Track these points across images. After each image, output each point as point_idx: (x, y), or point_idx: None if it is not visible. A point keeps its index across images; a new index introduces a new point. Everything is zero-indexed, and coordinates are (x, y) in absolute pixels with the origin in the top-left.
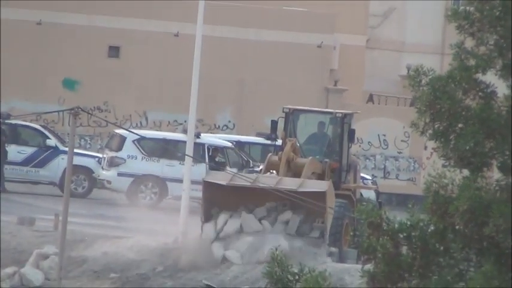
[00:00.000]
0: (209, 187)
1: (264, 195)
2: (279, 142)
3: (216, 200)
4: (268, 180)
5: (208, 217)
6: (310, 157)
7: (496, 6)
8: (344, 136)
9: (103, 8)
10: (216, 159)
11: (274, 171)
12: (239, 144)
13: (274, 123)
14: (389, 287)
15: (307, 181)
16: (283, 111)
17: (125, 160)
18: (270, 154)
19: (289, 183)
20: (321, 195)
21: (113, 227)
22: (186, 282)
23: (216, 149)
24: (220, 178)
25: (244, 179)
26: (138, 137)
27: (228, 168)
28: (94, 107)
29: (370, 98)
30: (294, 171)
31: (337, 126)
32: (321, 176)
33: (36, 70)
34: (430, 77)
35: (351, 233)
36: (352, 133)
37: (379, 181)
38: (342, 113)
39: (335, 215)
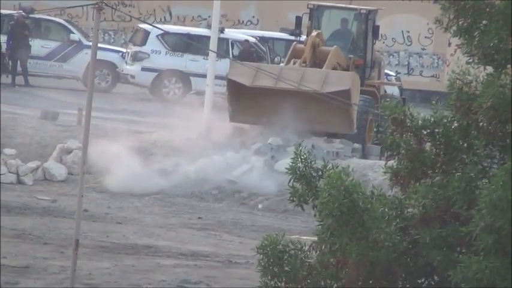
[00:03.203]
0: (233, 84)
1: (286, 92)
2: (303, 38)
3: (240, 96)
4: (292, 73)
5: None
6: (335, 46)
7: None
8: (368, 32)
9: None
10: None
11: (298, 60)
12: (263, 40)
13: (298, 19)
14: (413, 183)
15: (331, 74)
16: (307, 7)
17: (148, 55)
18: (295, 42)
19: (313, 77)
20: (345, 92)
21: (136, 122)
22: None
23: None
24: (244, 74)
25: (267, 74)
26: (162, 31)
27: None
28: (118, 2)
29: None
30: (319, 58)
31: (361, 23)
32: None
33: None
34: None
35: (375, 129)
36: (376, 29)
37: (403, 78)
38: (366, 9)
39: (359, 111)
